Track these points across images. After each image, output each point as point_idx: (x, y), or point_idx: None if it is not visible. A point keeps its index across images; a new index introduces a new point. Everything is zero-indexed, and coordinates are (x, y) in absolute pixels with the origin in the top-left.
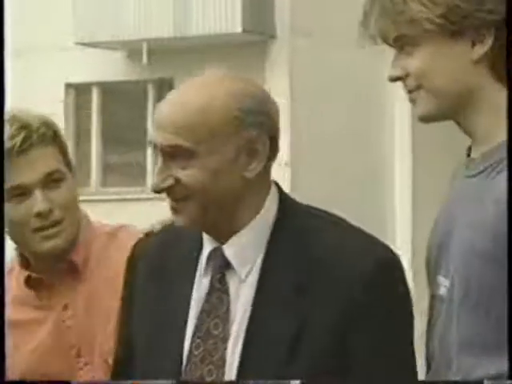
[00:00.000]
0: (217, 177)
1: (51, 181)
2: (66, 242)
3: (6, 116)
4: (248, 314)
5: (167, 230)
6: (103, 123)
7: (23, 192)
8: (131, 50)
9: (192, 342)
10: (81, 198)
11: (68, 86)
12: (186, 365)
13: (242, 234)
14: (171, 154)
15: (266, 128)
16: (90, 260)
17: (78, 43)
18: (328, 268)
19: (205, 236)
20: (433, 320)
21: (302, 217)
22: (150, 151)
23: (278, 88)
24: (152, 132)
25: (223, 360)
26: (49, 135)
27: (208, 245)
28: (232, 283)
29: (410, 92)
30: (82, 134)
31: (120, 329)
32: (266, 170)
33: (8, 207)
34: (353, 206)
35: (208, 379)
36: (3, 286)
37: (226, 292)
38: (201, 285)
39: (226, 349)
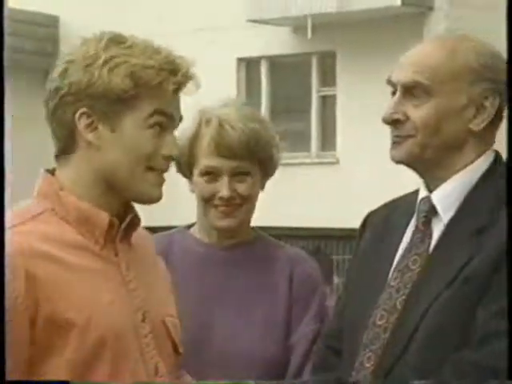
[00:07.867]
0: (444, 121)
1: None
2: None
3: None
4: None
5: (395, 199)
6: (271, 94)
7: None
8: (297, 25)
9: (392, 274)
10: None
11: (240, 60)
12: (384, 294)
13: (450, 182)
14: (409, 92)
15: (498, 86)
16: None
17: (249, 21)
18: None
19: (421, 188)
20: None
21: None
22: (314, 119)
23: None
24: (394, 73)
25: (418, 290)
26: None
27: (421, 195)
28: (435, 227)
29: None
30: (252, 105)
31: (337, 301)
32: (491, 127)
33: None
34: None
35: (399, 307)
36: (3, 286)
37: (429, 234)
38: (411, 228)
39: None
